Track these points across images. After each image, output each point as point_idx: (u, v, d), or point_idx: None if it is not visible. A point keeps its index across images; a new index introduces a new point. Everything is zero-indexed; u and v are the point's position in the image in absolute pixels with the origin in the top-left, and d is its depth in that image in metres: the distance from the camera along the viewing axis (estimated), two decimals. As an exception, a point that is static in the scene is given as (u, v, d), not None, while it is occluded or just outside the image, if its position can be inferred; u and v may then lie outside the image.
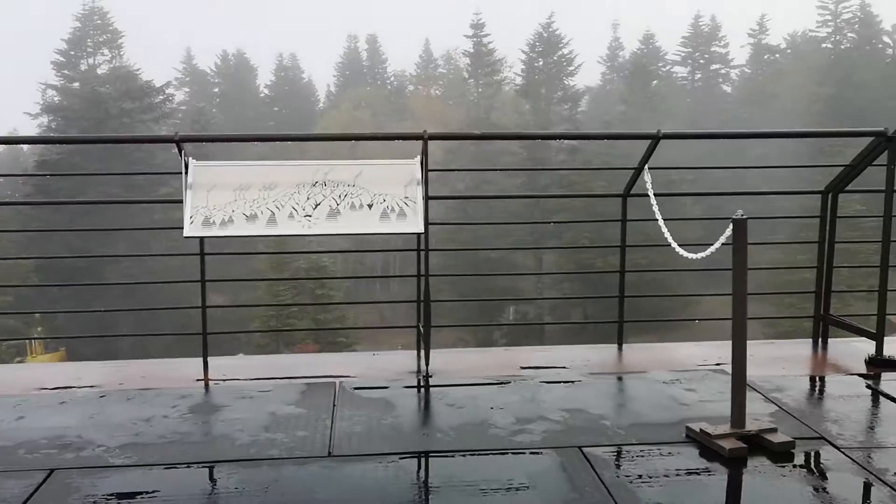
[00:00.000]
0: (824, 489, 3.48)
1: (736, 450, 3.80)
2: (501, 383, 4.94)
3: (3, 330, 33.59)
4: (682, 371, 5.14)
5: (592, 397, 4.68)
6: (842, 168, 5.62)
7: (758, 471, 3.70)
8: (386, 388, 4.88)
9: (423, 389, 4.90)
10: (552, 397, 4.68)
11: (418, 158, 5.08)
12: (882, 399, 4.66)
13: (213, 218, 4.92)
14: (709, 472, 3.67)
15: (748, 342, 6.08)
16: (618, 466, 3.72)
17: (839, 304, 5.88)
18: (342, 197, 5.03)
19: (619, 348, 5.87)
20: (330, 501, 3.39)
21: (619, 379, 5.07)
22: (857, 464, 3.73)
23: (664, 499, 3.39)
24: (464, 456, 3.85)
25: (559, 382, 4.97)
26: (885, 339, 5.53)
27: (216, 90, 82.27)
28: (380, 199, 5.05)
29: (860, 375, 5.14)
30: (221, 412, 4.46)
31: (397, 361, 5.46)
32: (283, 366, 5.44)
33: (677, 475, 3.63)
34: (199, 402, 4.65)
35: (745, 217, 3.91)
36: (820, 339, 5.94)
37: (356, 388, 4.85)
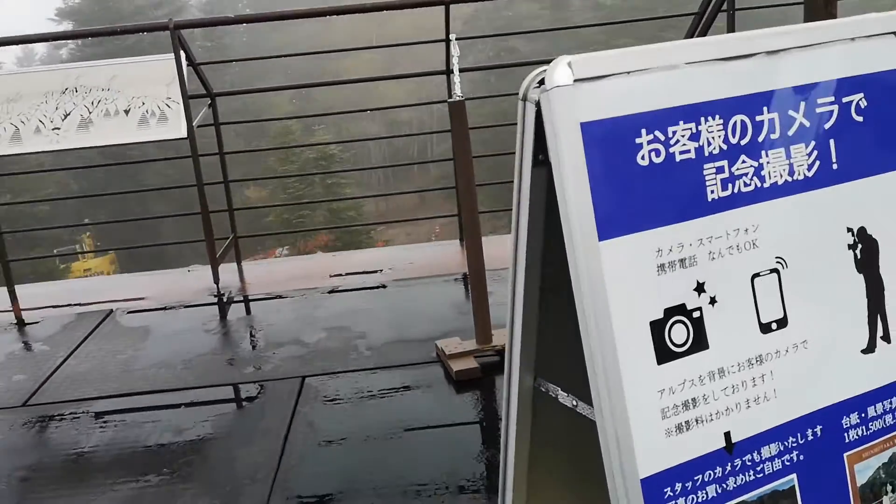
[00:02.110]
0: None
1: (463, 371, 3.28)
2: (286, 297, 4.47)
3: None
4: (504, 269, 4.55)
5: (373, 309, 4.17)
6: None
7: (473, 394, 3.19)
8: (161, 309, 4.47)
9: (202, 310, 4.47)
10: (328, 313, 4.19)
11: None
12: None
13: (-48, 140, 4.44)
14: (419, 395, 3.19)
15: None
16: (323, 397, 3.25)
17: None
18: (95, 104, 4.45)
19: (462, 245, 5.28)
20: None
21: (425, 284, 4.52)
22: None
23: (343, 433, 2.94)
24: (173, 393, 3.44)
25: (353, 291, 4.47)
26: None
27: (239, -22, 79.69)
28: (138, 102, 4.46)
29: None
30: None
31: (207, 278, 5.00)
32: (90, 290, 5.07)
33: (382, 399, 3.16)
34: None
35: (462, 98, 3.21)
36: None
37: (129, 313, 4.46)
